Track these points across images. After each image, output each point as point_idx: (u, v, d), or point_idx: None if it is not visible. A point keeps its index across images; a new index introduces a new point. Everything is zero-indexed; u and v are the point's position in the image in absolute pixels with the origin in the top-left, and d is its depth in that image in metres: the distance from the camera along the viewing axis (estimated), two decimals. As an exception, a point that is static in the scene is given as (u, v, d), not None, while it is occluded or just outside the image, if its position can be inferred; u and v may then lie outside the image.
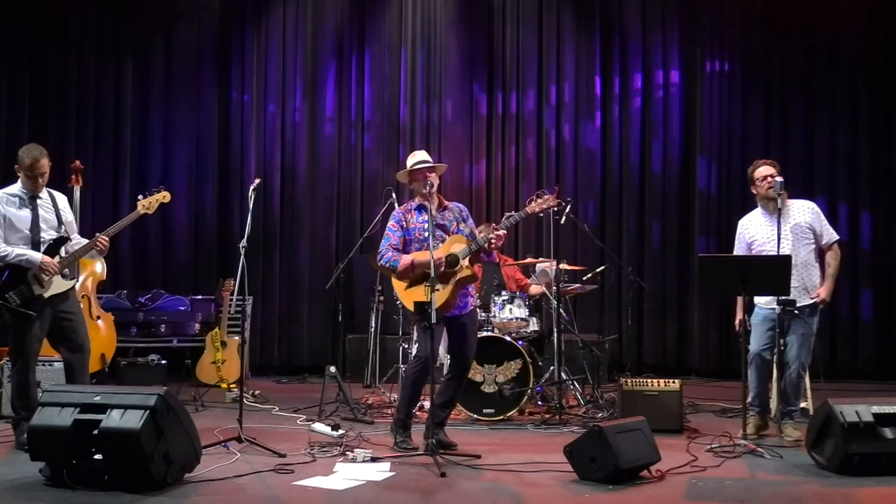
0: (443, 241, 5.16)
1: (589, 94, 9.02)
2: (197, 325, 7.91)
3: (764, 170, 5.58)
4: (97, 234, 5.09)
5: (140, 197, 5.27)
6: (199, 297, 8.12)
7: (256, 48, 9.01)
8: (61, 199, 5.27)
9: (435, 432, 4.99)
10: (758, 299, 5.59)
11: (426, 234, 5.05)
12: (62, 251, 5.07)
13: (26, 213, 5.03)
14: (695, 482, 4.36)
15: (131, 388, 4.89)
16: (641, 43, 9.00)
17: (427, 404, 5.84)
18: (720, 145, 8.93)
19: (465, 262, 5.09)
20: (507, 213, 5.29)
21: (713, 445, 5.05)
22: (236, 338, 7.44)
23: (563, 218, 6.82)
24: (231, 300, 7.57)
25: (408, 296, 5.17)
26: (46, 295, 4.98)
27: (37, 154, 5.05)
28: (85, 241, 5.14)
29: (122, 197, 8.75)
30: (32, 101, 8.75)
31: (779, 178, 5.41)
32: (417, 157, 5.32)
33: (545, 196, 5.15)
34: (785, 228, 5.46)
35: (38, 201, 5.10)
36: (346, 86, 9.06)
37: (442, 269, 4.94)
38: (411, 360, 5.43)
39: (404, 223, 5.23)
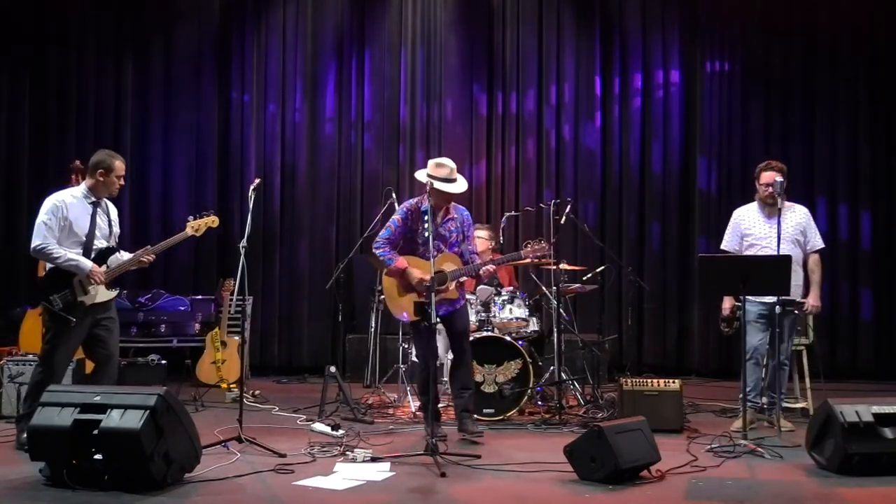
0: (439, 251, 5.31)
1: (589, 94, 9.01)
2: (197, 325, 7.90)
3: (769, 176, 5.69)
4: (147, 247, 5.12)
5: (190, 218, 5.26)
6: (199, 297, 8.11)
7: (256, 48, 9.01)
8: (114, 210, 5.28)
9: (462, 422, 5.28)
10: (749, 296, 5.65)
11: (427, 236, 5.13)
12: (109, 262, 5.07)
13: (86, 220, 5.03)
14: (695, 482, 4.36)
15: (131, 388, 4.88)
16: (641, 43, 9.00)
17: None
18: (720, 145, 8.92)
19: (452, 286, 5.30)
20: (504, 255, 5.58)
21: (713, 445, 5.06)
22: (236, 338, 7.43)
23: (563, 218, 6.83)
24: (231, 300, 7.57)
25: (394, 303, 5.38)
26: (88, 303, 4.97)
27: (118, 158, 5.14)
28: (129, 254, 5.14)
29: (122, 196, 8.69)
30: (32, 101, 8.75)
31: (779, 179, 5.42)
32: (443, 172, 5.34)
33: (542, 244, 5.39)
34: (783, 228, 5.51)
35: (98, 209, 5.10)
36: (346, 86, 9.06)
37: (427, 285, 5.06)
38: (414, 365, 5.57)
39: (409, 221, 5.33)
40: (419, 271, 5.22)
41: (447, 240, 5.38)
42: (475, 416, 5.93)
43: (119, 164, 5.11)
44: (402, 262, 5.28)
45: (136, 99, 8.89)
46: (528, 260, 5.51)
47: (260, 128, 8.99)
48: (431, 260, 4.98)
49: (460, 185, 5.41)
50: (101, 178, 5.06)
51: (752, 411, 5.60)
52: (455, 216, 5.43)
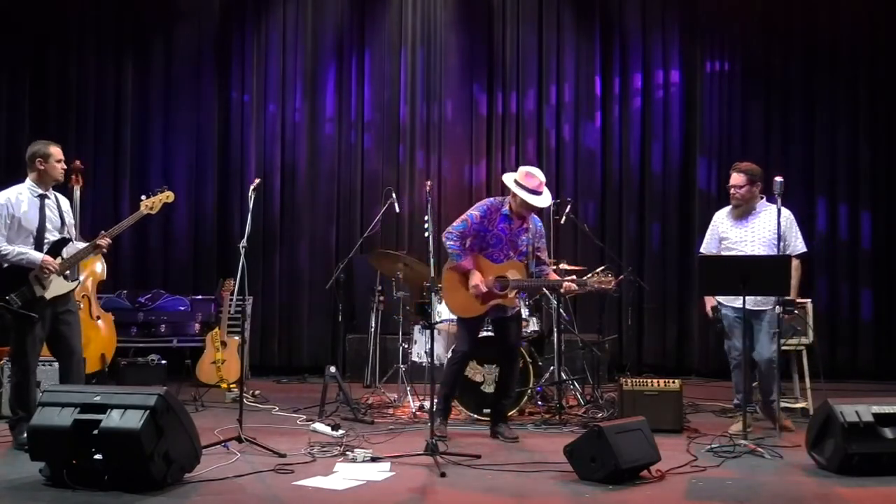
0: (507, 256, 5.38)
1: (589, 94, 9.01)
2: (197, 325, 7.91)
3: (734, 178, 5.74)
4: (102, 231, 5.10)
5: (143, 197, 5.26)
6: (199, 297, 8.12)
7: (256, 48, 9.01)
8: (64, 201, 5.28)
9: (498, 426, 5.43)
10: (724, 300, 5.64)
11: (495, 243, 5.37)
12: (63, 253, 5.06)
13: (34, 213, 5.03)
14: (695, 482, 4.36)
15: (131, 388, 4.90)
16: (641, 43, 8.99)
17: (427, 405, 5.85)
18: (720, 145, 8.92)
19: (512, 294, 5.35)
20: (575, 278, 5.57)
21: (713, 445, 5.06)
22: (236, 338, 7.43)
23: (563, 218, 6.84)
24: (231, 300, 7.56)
25: (451, 295, 5.42)
26: (48, 297, 4.97)
27: (53, 144, 5.14)
28: (85, 243, 5.14)
29: (122, 197, 8.74)
30: (32, 101, 8.75)
31: (779, 179, 5.42)
32: (532, 183, 5.33)
33: (609, 277, 5.40)
34: (755, 231, 5.53)
35: (46, 201, 5.10)
36: (346, 86, 9.06)
37: (487, 289, 5.27)
38: (450, 353, 5.70)
39: (486, 221, 5.39)
40: (479, 277, 5.28)
41: (517, 247, 5.41)
42: (475, 416, 5.97)
43: (55, 149, 5.13)
44: (468, 262, 5.31)
45: (136, 99, 8.88)
46: (595, 288, 5.50)
47: (260, 128, 8.98)
48: (432, 261, 5.01)
49: (545, 199, 5.39)
50: (42, 167, 5.07)
51: (748, 416, 5.59)
52: (530, 226, 5.45)
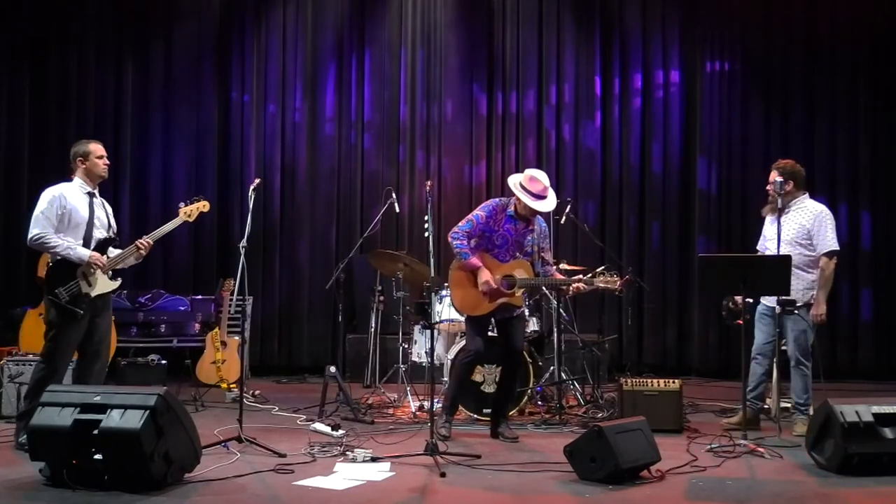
0: (514, 256, 5.39)
1: (589, 95, 9.02)
2: (197, 325, 7.91)
3: (770, 175, 5.71)
4: (143, 237, 5.14)
5: (182, 204, 5.31)
6: (199, 297, 8.12)
7: (256, 48, 9.01)
8: (108, 205, 5.33)
9: (498, 426, 5.45)
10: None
11: (501, 243, 5.38)
12: (109, 252, 5.09)
13: (85, 210, 5.06)
14: (695, 482, 4.36)
15: (131, 388, 4.90)
16: (641, 43, 9.00)
17: (427, 404, 5.85)
18: (720, 145, 8.93)
19: (519, 293, 5.36)
20: (579, 277, 5.53)
21: (713, 445, 5.06)
22: (236, 338, 7.43)
23: (563, 218, 6.84)
24: (231, 300, 7.57)
25: (460, 293, 5.40)
26: (93, 294, 4.98)
27: (92, 141, 5.19)
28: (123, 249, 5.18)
29: (122, 196, 8.74)
30: (33, 101, 8.75)
31: (778, 179, 5.43)
32: (536, 188, 5.32)
33: (615, 277, 5.40)
34: (784, 228, 5.52)
35: (94, 199, 5.14)
36: (346, 86, 9.06)
37: (496, 286, 5.27)
38: (461, 351, 5.71)
39: (492, 221, 5.40)
40: (488, 274, 5.27)
41: (523, 247, 5.44)
42: (475, 416, 5.98)
43: (94, 146, 5.16)
44: (476, 261, 5.31)
45: (136, 98, 8.89)
46: (600, 288, 5.48)
47: (260, 128, 8.99)
48: (431, 262, 5.01)
49: (549, 203, 5.38)
50: (84, 165, 5.10)
51: (750, 412, 5.60)
52: (535, 228, 5.47)
